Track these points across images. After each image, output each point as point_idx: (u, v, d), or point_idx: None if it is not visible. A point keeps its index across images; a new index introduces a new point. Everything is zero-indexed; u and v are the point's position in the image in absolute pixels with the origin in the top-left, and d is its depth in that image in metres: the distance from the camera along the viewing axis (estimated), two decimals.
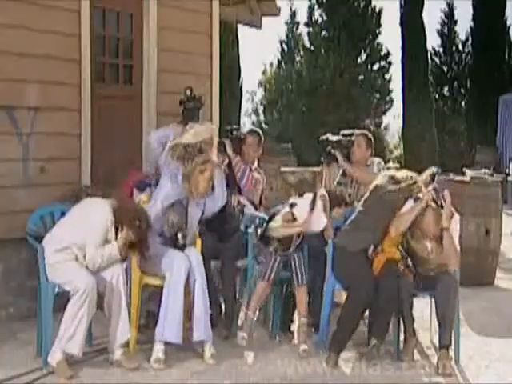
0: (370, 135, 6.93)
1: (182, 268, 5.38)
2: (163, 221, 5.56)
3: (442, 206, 5.52)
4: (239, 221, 6.34)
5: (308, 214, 5.84)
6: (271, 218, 6.04)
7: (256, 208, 6.71)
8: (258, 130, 7.37)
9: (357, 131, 7.00)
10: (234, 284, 6.18)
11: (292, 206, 5.93)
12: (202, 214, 5.80)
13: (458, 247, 5.61)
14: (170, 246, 5.58)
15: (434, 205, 5.54)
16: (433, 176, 5.69)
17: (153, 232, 5.45)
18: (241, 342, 5.70)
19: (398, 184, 5.61)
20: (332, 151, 6.81)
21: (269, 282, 5.78)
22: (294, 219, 5.88)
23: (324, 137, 6.95)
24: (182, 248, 5.59)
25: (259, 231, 6.13)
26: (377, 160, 6.87)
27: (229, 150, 6.45)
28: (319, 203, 5.87)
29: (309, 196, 5.88)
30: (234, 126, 6.71)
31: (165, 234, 5.59)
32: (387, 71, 23.50)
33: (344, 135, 6.88)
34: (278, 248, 5.85)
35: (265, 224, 6.17)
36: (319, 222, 5.87)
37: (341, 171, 6.82)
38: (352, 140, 6.78)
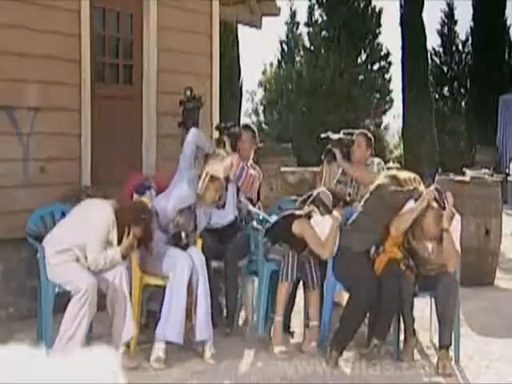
0: (369, 135, 6.92)
1: (185, 268, 5.39)
2: (169, 220, 5.61)
3: (444, 207, 5.51)
4: (240, 221, 6.34)
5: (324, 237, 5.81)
6: (277, 222, 6.03)
7: (254, 205, 6.70)
8: (251, 125, 7.39)
9: (357, 131, 7.00)
10: (236, 284, 6.20)
11: (309, 217, 5.89)
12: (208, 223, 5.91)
13: (459, 248, 5.60)
14: (172, 244, 5.60)
15: (435, 205, 5.53)
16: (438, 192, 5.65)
17: (156, 227, 5.48)
18: (282, 356, 5.59)
19: (400, 185, 5.60)
20: (332, 149, 6.80)
21: (291, 281, 5.77)
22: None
23: (325, 135, 6.94)
24: (185, 247, 5.61)
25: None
26: (377, 160, 6.87)
27: (228, 148, 6.47)
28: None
29: (328, 219, 5.82)
30: (230, 123, 6.69)
31: (169, 230, 5.62)
32: (387, 71, 23.54)
33: (344, 133, 6.87)
34: (287, 248, 5.83)
35: (267, 224, 6.18)
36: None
37: (340, 170, 6.81)
38: (352, 139, 6.77)
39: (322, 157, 7.03)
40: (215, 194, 5.78)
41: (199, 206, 5.76)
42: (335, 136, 6.85)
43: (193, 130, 6.03)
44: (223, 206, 5.99)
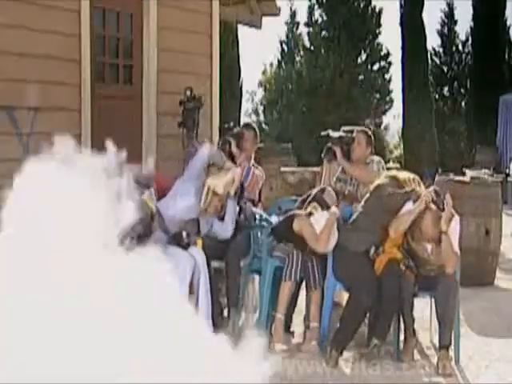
0: (370, 133, 6.89)
1: (187, 268, 5.40)
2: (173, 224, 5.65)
3: (442, 209, 5.50)
4: (244, 220, 6.36)
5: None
6: (281, 221, 6.03)
7: (255, 206, 6.71)
8: (252, 123, 7.40)
9: (357, 128, 6.97)
10: (237, 283, 6.21)
11: (310, 214, 5.89)
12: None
13: (458, 249, 5.60)
14: (173, 244, 5.61)
15: (433, 206, 5.52)
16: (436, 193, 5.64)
17: (156, 227, 5.49)
18: (282, 354, 5.56)
19: (400, 186, 5.60)
20: (332, 147, 6.78)
21: (294, 281, 5.77)
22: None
23: (325, 132, 6.93)
24: (186, 247, 5.62)
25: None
26: (376, 158, 6.83)
27: (233, 148, 6.48)
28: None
29: (325, 214, 5.81)
30: (232, 124, 6.70)
31: (169, 231, 5.63)
32: (387, 71, 23.52)
33: (345, 131, 6.86)
34: (291, 248, 5.83)
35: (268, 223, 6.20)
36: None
37: (340, 168, 6.80)
38: (353, 137, 6.75)
39: (322, 155, 7.01)
40: (218, 205, 5.82)
41: (202, 214, 5.80)
42: (335, 134, 6.84)
43: (207, 147, 6.03)
44: (222, 218, 6.00)
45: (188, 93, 7.07)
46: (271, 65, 25.55)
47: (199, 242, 5.81)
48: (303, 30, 24.27)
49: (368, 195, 5.80)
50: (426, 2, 21.48)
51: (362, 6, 22.84)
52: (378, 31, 23.14)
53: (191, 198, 5.69)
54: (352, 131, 6.83)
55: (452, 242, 5.51)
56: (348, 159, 6.72)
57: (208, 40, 8.35)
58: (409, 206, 5.54)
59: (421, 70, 21.22)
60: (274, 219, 6.28)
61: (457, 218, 5.67)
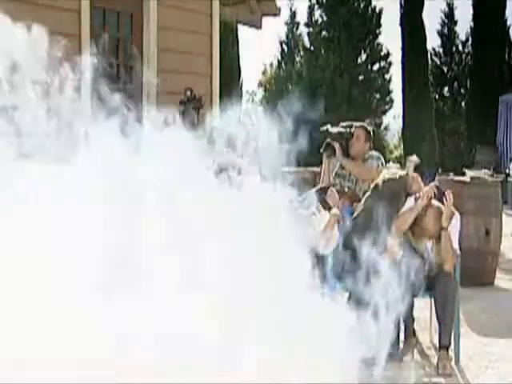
0: (369, 128, 6.86)
1: None
2: None
3: (443, 203, 5.50)
4: None
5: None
6: None
7: None
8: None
9: (356, 123, 6.94)
10: None
11: (312, 214, 5.89)
12: None
13: (457, 247, 5.60)
14: None
15: (435, 202, 5.52)
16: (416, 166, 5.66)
17: None
18: None
19: (399, 184, 5.61)
20: (331, 143, 6.75)
21: None
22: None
23: (324, 128, 6.90)
24: None
25: None
26: (376, 154, 6.77)
27: None
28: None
29: (326, 215, 5.81)
30: None
31: None
32: (387, 71, 23.55)
33: (343, 127, 6.84)
34: None
35: None
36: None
37: (339, 163, 6.78)
38: (352, 132, 6.73)
39: (321, 150, 6.98)
40: None
41: None
42: (334, 129, 6.82)
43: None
44: None
45: (188, 93, 7.08)
46: (271, 65, 25.62)
47: None
48: (303, 30, 24.34)
49: (368, 194, 5.81)
50: (425, 2, 21.51)
51: (362, 6, 22.86)
52: (378, 31, 23.16)
53: None
54: (351, 126, 6.80)
55: (451, 238, 5.52)
56: (347, 155, 6.68)
57: (208, 40, 8.35)
58: (410, 203, 5.55)
59: (421, 70, 21.22)
60: None
61: (457, 215, 5.67)
